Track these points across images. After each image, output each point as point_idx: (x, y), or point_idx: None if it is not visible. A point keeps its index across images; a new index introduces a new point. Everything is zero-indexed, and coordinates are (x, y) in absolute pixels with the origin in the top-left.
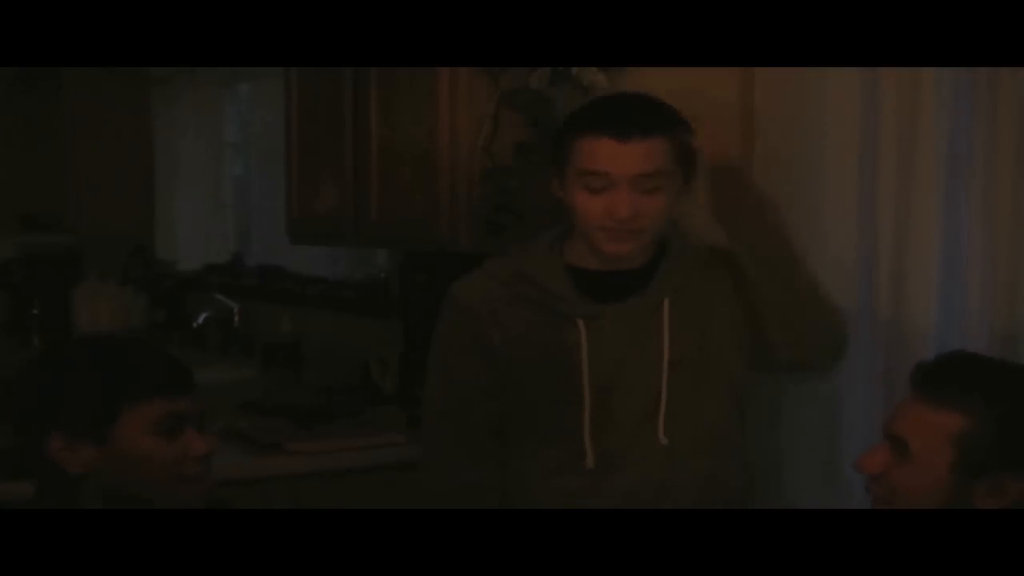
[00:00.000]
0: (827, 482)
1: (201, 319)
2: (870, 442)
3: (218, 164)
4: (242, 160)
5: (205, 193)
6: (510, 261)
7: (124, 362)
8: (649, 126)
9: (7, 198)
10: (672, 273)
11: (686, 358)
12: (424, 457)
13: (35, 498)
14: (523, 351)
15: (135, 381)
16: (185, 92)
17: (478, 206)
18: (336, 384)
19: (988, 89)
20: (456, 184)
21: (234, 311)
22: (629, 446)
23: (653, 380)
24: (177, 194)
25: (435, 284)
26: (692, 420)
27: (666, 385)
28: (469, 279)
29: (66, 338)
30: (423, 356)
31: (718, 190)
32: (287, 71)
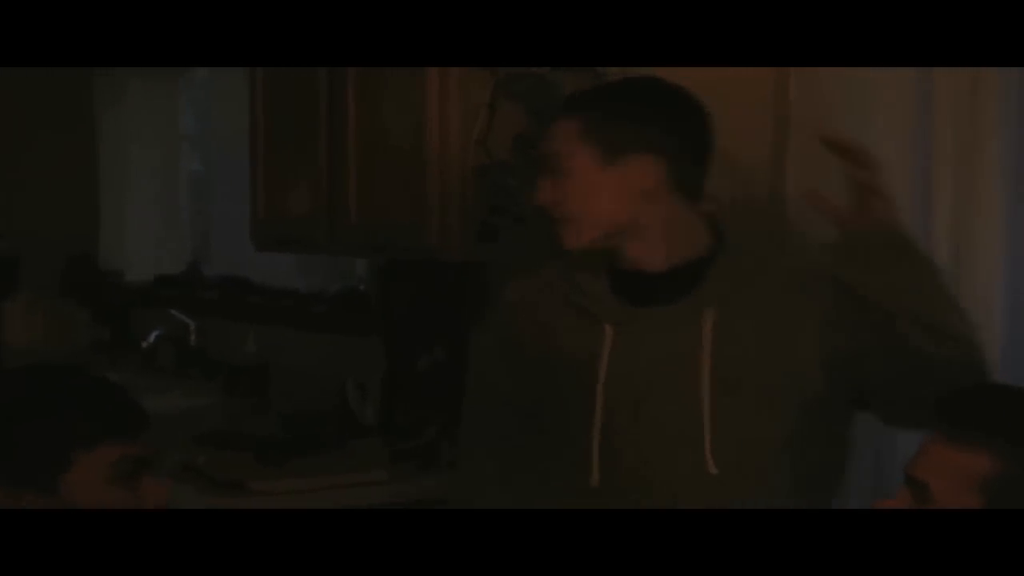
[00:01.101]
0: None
1: (152, 338)
2: None
3: (172, 159)
4: (200, 155)
5: (157, 193)
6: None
7: (74, 401)
8: (572, 105)
9: None
10: (721, 278)
11: (739, 377)
12: (459, 462)
13: None
14: (545, 351)
15: (88, 424)
16: (133, 78)
17: (471, 208)
18: (308, 412)
19: None
20: (447, 183)
21: (190, 329)
22: (661, 470)
23: (691, 399)
24: (125, 194)
25: (421, 297)
26: (745, 448)
27: (709, 406)
28: (524, 275)
29: None
30: (408, 380)
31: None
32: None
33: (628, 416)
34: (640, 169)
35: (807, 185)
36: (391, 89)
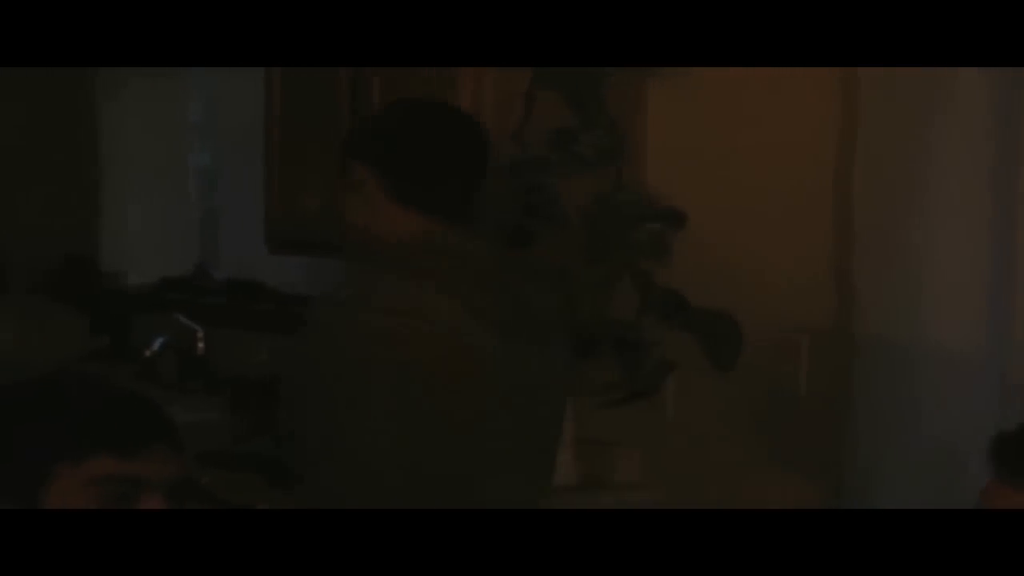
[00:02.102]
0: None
1: (155, 346)
2: None
3: (178, 151)
4: (208, 146)
5: (161, 188)
6: None
7: (62, 406)
8: None
9: None
10: None
11: None
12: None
13: None
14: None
15: (74, 433)
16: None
17: (503, 208)
18: None
19: None
20: None
21: (196, 336)
22: None
23: None
24: (126, 189)
25: None
26: None
27: None
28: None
29: None
30: None
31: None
32: None
33: None
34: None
35: (873, 186)
36: (419, 77)
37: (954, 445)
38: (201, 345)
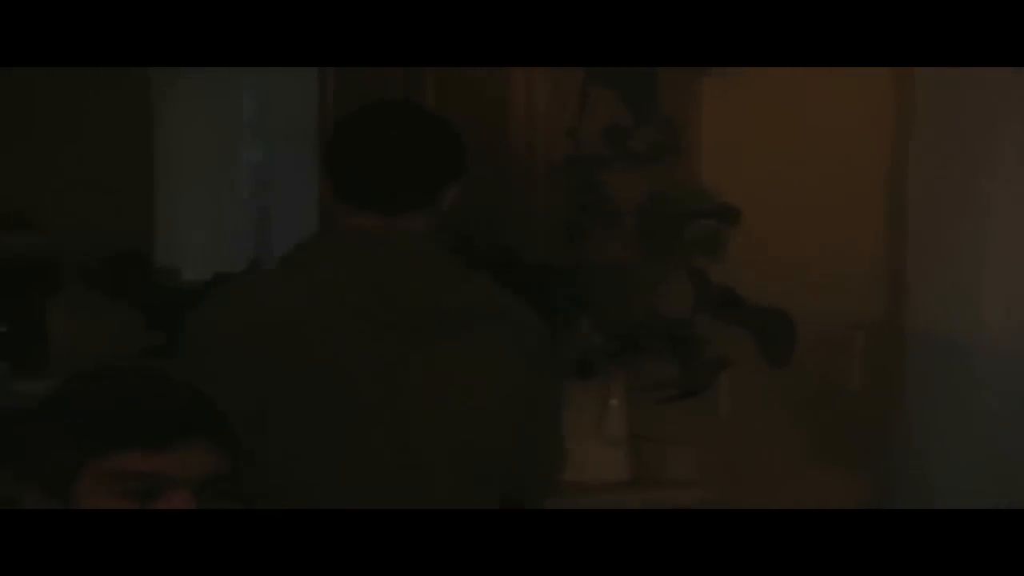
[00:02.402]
0: None
1: None
2: None
3: (232, 149)
4: (262, 142)
5: (216, 184)
6: None
7: (97, 399)
8: None
9: None
10: None
11: None
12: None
13: None
14: None
15: (101, 426)
16: None
17: (557, 205)
18: None
19: None
20: (532, 178)
21: None
22: None
23: None
24: (181, 185)
25: None
26: None
27: None
28: None
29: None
30: None
31: None
32: None
33: None
34: None
35: (926, 182)
36: (472, 72)
37: (1008, 442)
38: None
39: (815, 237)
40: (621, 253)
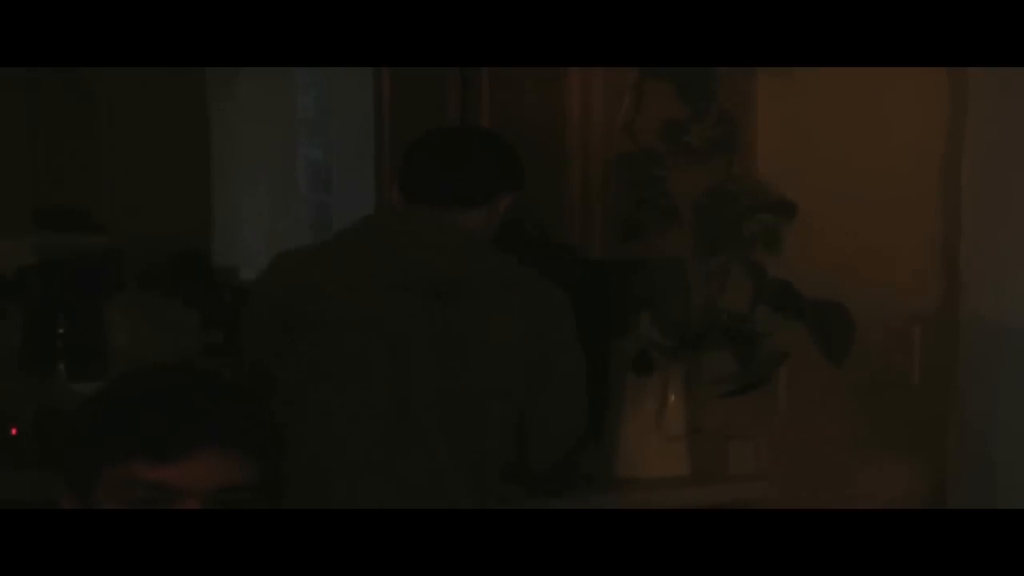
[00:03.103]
0: None
1: None
2: None
3: (289, 147)
4: (319, 142)
5: (273, 183)
6: None
7: (117, 405)
8: None
9: (18, 190)
10: None
11: None
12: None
13: None
14: None
15: (114, 432)
16: None
17: (614, 201)
18: None
19: None
20: (588, 173)
21: None
22: None
23: None
24: (238, 184)
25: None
26: None
27: None
28: None
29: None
30: None
31: None
32: None
33: None
34: None
35: (981, 177)
36: (528, 72)
37: None
38: None
39: (871, 231)
40: (679, 248)
